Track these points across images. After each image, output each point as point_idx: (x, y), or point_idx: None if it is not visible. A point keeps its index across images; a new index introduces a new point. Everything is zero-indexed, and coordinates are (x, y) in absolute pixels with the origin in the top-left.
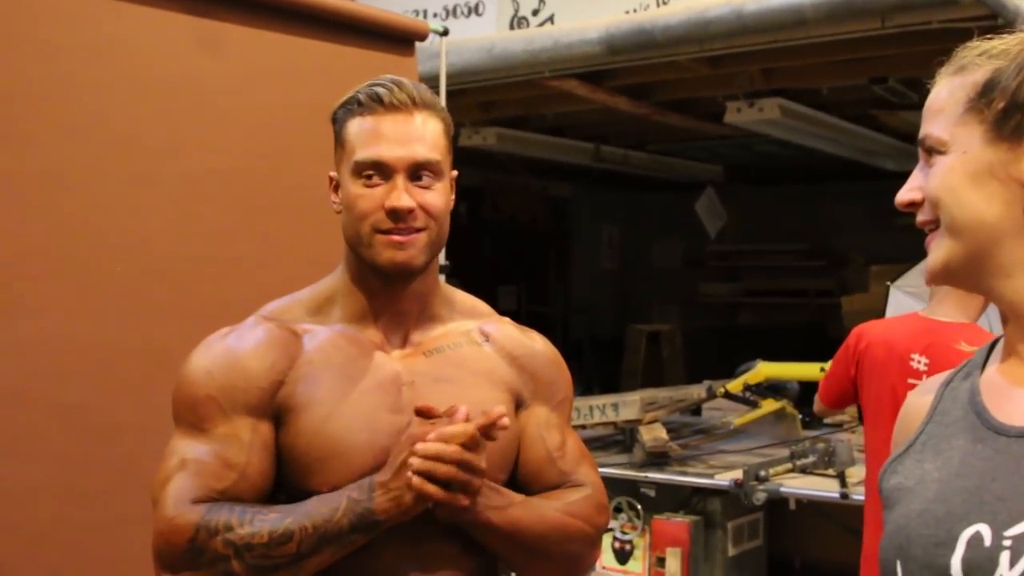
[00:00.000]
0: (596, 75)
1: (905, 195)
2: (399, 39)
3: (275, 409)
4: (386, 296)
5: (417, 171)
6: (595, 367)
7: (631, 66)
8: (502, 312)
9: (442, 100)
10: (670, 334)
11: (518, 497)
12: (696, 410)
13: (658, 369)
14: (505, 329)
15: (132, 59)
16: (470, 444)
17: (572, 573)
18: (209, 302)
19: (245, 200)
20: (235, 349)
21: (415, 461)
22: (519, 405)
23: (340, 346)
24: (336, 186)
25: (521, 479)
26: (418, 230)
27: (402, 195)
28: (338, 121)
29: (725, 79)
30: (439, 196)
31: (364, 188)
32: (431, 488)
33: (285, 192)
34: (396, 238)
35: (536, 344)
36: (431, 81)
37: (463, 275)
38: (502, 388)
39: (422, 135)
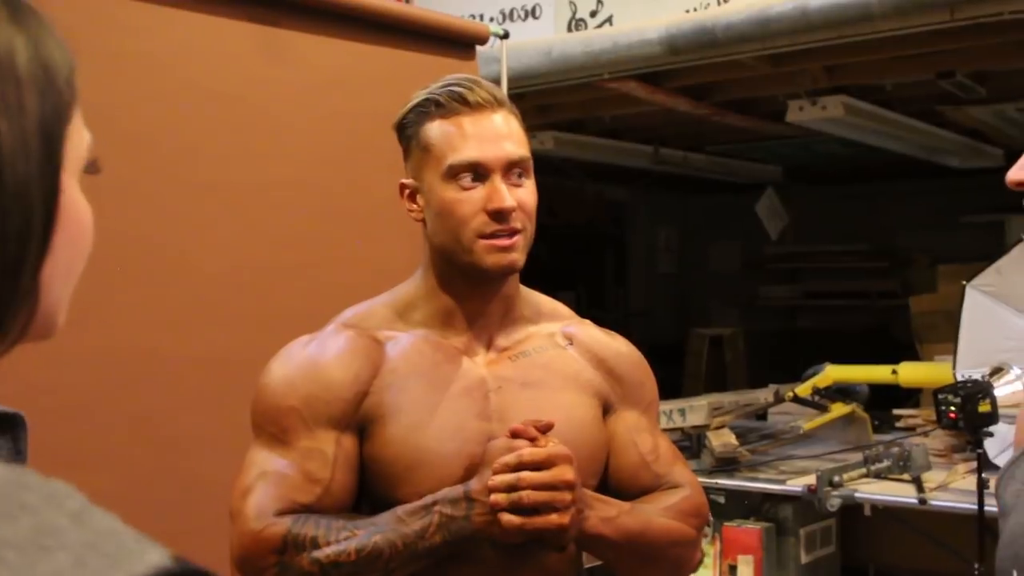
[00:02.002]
0: (655, 76)
1: (1017, 174)
2: (460, 43)
3: (359, 420)
4: (472, 300)
5: (511, 169)
6: (656, 372)
7: (691, 66)
8: None
9: None
10: (732, 338)
11: (625, 505)
12: (762, 415)
13: (721, 374)
14: (589, 331)
15: (195, 68)
16: (546, 463)
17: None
18: (275, 311)
19: (309, 208)
20: (317, 358)
21: (498, 498)
22: (607, 410)
23: (424, 352)
24: (412, 194)
25: (614, 485)
26: (517, 231)
27: (505, 195)
28: (411, 125)
29: (787, 77)
30: (532, 194)
31: (461, 192)
32: (517, 521)
33: (348, 199)
34: (501, 242)
35: (621, 346)
36: None
37: (522, 281)
38: (589, 392)
39: (509, 132)
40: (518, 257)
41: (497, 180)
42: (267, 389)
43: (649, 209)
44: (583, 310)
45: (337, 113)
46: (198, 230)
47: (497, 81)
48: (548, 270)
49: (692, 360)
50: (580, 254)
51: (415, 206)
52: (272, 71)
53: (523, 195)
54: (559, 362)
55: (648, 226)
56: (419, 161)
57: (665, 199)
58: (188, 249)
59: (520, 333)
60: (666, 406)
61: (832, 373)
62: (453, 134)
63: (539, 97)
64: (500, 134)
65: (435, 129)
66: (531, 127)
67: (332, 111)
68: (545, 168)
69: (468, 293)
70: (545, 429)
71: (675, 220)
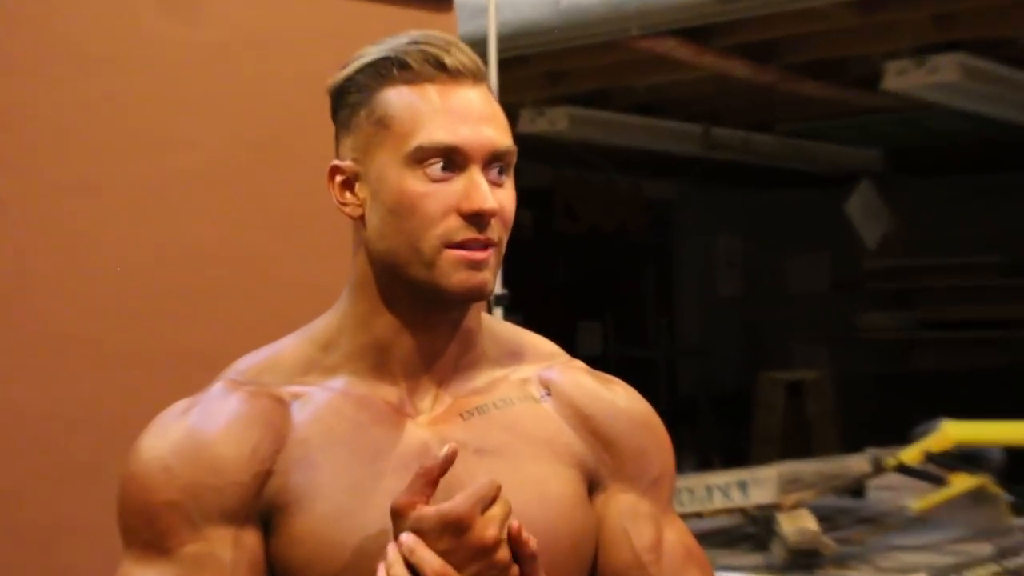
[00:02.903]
0: (702, 32)
1: None
2: None
3: (262, 510)
4: (417, 333)
5: (492, 163)
6: (714, 431)
7: (750, 17)
8: (581, 358)
9: (492, 72)
10: (817, 385)
11: None
12: (857, 490)
13: (802, 433)
14: (575, 377)
15: (66, 27)
16: (457, 524)
17: None
18: (173, 354)
19: (223, 211)
20: (200, 432)
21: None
22: (594, 486)
23: (345, 413)
24: (349, 181)
25: None
26: (492, 244)
27: (487, 194)
28: (358, 89)
29: (882, 30)
30: (512, 199)
31: (428, 183)
32: None
33: (279, 199)
34: (474, 254)
35: (618, 398)
36: (476, 47)
37: (528, 308)
38: (569, 461)
39: (493, 114)
40: (489, 278)
41: (476, 173)
42: (135, 481)
43: (703, 210)
44: (614, 347)
45: (262, 84)
46: (64, 243)
47: (484, 42)
48: (566, 293)
49: (762, 415)
50: (610, 271)
51: (351, 198)
52: (173, 29)
53: (504, 198)
54: (530, 420)
55: (702, 233)
56: (368, 138)
57: (725, 196)
58: (46, 272)
59: (479, 380)
60: (721, 478)
61: (953, 432)
62: (423, 107)
63: (547, 61)
64: (483, 114)
65: (397, 98)
66: (537, 102)
67: (255, 81)
68: (559, 156)
69: (413, 323)
70: (490, 497)
71: (738, 225)
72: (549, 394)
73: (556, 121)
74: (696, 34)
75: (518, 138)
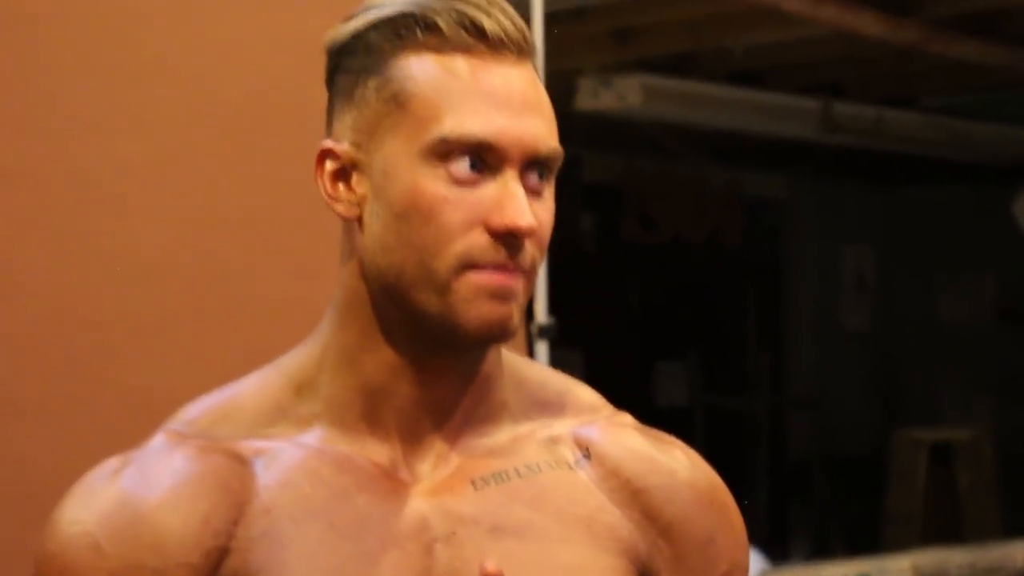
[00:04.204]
0: None
1: None
2: None
3: None
4: (420, 375)
5: (531, 167)
6: (833, 507)
7: None
8: (659, 409)
9: (537, 30)
10: (973, 447)
11: None
12: None
13: (952, 510)
14: (621, 437)
15: None
16: None
17: None
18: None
19: (190, 215)
20: (137, 499)
21: None
22: None
23: (322, 476)
24: (344, 170)
25: None
26: (523, 271)
27: (524, 207)
28: (367, 51)
29: None
30: (551, 213)
31: (451, 185)
32: None
33: (254, 198)
34: (501, 279)
35: (679, 466)
36: None
37: (589, 343)
38: (612, 547)
39: (539, 102)
40: (515, 314)
41: (512, 178)
42: (54, 562)
43: (823, 213)
44: (701, 394)
45: (235, 44)
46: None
47: None
48: (638, 323)
49: (899, 485)
50: (698, 294)
51: (346, 192)
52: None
53: (542, 212)
54: (562, 493)
55: (822, 244)
56: (376, 117)
57: (851, 195)
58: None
59: (497, 437)
60: (843, 569)
61: None
62: (452, 86)
63: (613, 16)
64: (527, 102)
65: (420, 69)
66: (602, 68)
67: (225, 41)
68: (630, 142)
69: (415, 363)
70: None
71: (870, 233)
72: (588, 458)
73: (626, 94)
74: None
75: (576, 117)
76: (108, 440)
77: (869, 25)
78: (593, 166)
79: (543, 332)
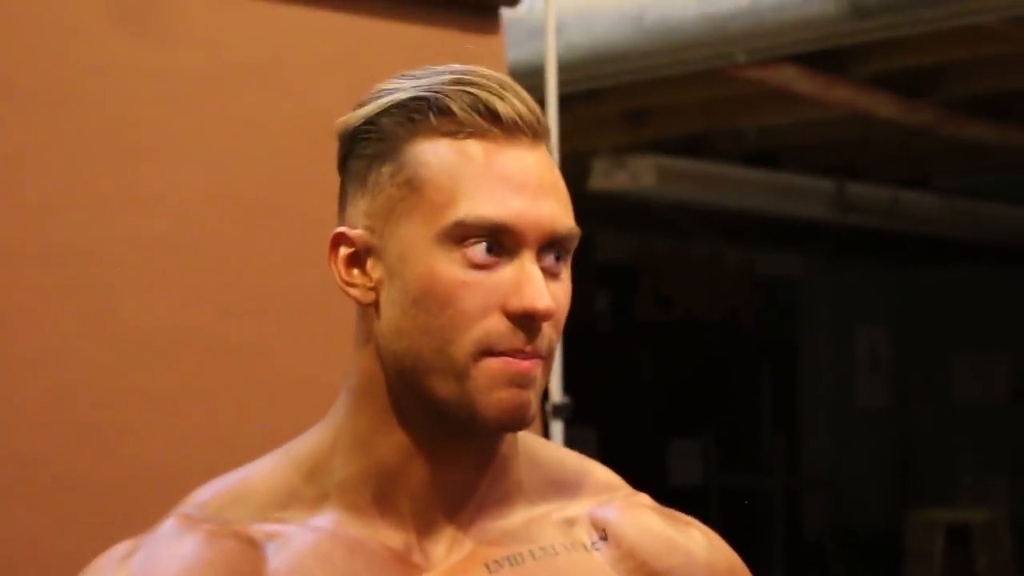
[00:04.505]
0: (833, 57)
1: None
2: (473, 5)
3: None
4: (432, 462)
5: (548, 249)
6: None
7: (895, 38)
8: (673, 488)
9: (551, 112)
10: (990, 529)
11: None
12: None
13: None
14: (639, 518)
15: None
16: None
17: None
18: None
19: (220, 265)
20: None
21: None
22: None
23: (335, 561)
24: (358, 255)
25: None
26: (540, 356)
27: (542, 289)
28: (381, 137)
29: None
30: (568, 294)
31: (469, 270)
32: None
33: (286, 251)
34: (520, 364)
35: (697, 547)
36: (529, 78)
37: (603, 422)
38: None
39: (554, 184)
40: (534, 401)
41: (529, 260)
42: None
43: (837, 293)
44: (716, 473)
45: (251, 124)
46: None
47: (538, 71)
48: (653, 402)
49: (916, 566)
50: (712, 373)
51: (361, 277)
52: (134, 52)
53: (559, 293)
54: (578, 575)
55: (836, 323)
56: (390, 202)
57: (865, 275)
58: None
59: (512, 519)
60: None
61: None
62: (466, 170)
63: (627, 97)
64: (543, 184)
65: (434, 154)
66: (615, 149)
67: (241, 121)
68: (644, 221)
69: (429, 447)
70: None
71: (885, 313)
72: (604, 540)
73: (640, 175)
74: (825, 61)
75: (590, 197)
76: (120, 518)
77: (883, 107)
78: (607, 246)
79: (558, 411)
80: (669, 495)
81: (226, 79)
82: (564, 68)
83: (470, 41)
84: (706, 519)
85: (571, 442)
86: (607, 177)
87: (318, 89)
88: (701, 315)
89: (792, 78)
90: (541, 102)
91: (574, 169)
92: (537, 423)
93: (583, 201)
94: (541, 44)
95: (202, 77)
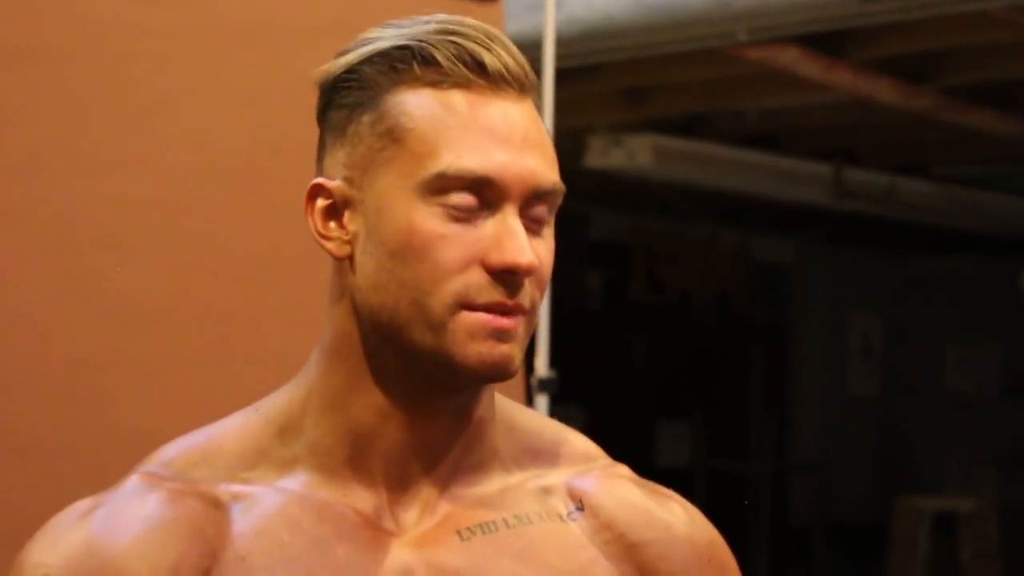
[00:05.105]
0: (834, 40)
1: None
2: None
3: None
4: (409, 419)
5: (532, 204)
6: (834, 572)
7: (899, 22)
8: (661, 470)
9: (548, 85)
10: (976, 518)
11: None
12: None
13: None
14: (617, 489)
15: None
16: None
17: None
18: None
19: (204, 230)
20: (104, 544)
21: None
22: None
23: (302, 524)
24: (335, 207)
25: None
26: (523, 311)
27: (525, 244)
28: (361, 85)
29: None
30: (551, 251)
31: (448, 223)
32: None
33: (274, 215)
34: (500, 321)
35: (677, 521)
36: (527, 51)
37: (593, 400)
38: None
39: (540, 139)
40: (516, 352)
41: (511, 215)
42: None
43: (831, 279)
44: (703, 457)
45: (240, 87)
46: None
47: (535, 44)
48: (644, 383)
49: (900, 555)
50: (703, 356)
51: (337, 230)
52: (128, 13)
53: (542, 251)
54: (553, 546)
55: (829, 310)
56: (370, 152)
57: (860, 262)
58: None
59: (487, 486)
60: None
61: None
62: (450, 121)
63: (625, 74)
64: (527, 138)
65: (417, 104)
66: (613, 127)
67: (230, 83)
68: (639, 201)
69: (404, 407)
70: None
71: (878, 301)
72: (581, 510)
73: (637, 154)
74: (827, 43)
75: (585, 175)
76: (100, 484)
77: (883, 92)
78: (601, 225)
79: (543, 385)
80: (655, 477)
81: (217, 40)
82: (563, 42)
83: (468, 11)
84: (691, 501)
85: (559, 420)
86: (603, 155)
87: (311, 52)
88: (694, 298)
89: (794, 60)
90: (538, 75)
91: (570, 146)
92: (521, 397)
93: (578, 178)
94: (540, 16)
95: (193, 37)
